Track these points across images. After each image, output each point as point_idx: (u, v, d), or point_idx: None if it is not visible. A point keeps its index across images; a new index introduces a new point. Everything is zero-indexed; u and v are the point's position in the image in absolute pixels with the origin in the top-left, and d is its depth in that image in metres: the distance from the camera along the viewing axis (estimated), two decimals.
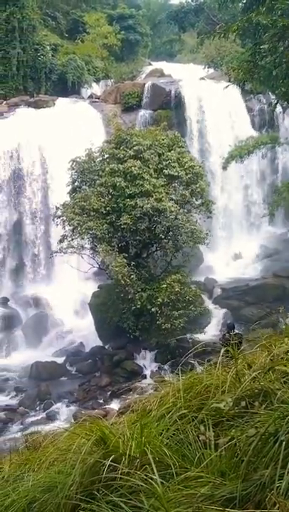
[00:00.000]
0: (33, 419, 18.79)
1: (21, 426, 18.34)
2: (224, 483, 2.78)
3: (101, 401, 19.44)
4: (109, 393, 19.82)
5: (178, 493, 2.76)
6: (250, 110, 31.29)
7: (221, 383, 3.68)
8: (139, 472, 2.91)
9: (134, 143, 21.31)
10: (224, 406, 3.32)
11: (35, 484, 3.42)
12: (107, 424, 3.75)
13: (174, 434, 3.38)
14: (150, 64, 45.66)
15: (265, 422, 3.01)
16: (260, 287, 25.41)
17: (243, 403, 3.29)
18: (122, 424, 4.09)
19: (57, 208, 21.65)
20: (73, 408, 19.17)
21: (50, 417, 18.75)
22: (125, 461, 3.06)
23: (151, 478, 2.79)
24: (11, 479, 3.89)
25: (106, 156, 22.03)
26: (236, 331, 13.61)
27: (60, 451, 3.76)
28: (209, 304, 23.93)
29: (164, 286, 19.97)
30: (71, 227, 20.65)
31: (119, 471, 2.99)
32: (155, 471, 2.78)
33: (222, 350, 3.91)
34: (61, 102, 31.26)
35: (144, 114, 30.55)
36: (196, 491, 2.73)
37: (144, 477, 2.84)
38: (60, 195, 23.06)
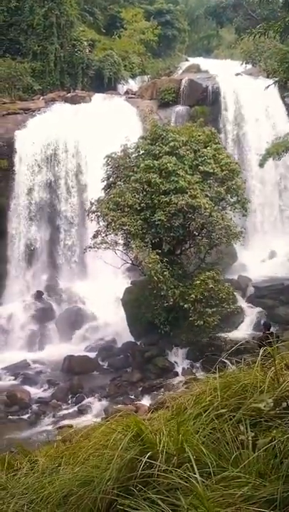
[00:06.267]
0: (65, 412, 18.93)
1: (53, 419, 18.52)
2: (264, 484, 2.74)
3: (132, 396, 19.46)
4: (140, 389, 19.81)
5: (216, 492, 2.72)
6: (288, 106, 30.81)
7: (259, 383, 3.62)
8: (177, 470, 2.89)
9: (170, 139, 21.20)
10: (264, 406, 3.27)
11: (71, 478, 3.43)
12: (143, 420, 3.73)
13: (210, 433, 3.34)
14: (187, 60, 45.38)
15: None
16: None
17: (284, 404, 3.24)
18: (156, 421, 4.07)
19: (91, 204, 21.66)
20: (104, 403, 19.24)
21: (82, 411, 18.85)
22: (162, 458, 3.05)
23: (190, 476, 2.76)
24: (47, 472, 3.92)
25: (141, 152, 21.96)
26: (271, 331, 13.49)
27: (97, 446, 3.77)
28: (242, 303, 23.65)
29: (198, 282, 19.84)
30: (105, 223, 20.68)
31: (157, 468, 2.97)
32: (195, 469, 2.75)
33: (261, 350, 3.85)
34: (97, 97, 31.39)
35: (180, 110, 30.37)
36: (235, 491, 2.69)
37: (183, 475, 2.82)
38: (95, 190, 23.15)
